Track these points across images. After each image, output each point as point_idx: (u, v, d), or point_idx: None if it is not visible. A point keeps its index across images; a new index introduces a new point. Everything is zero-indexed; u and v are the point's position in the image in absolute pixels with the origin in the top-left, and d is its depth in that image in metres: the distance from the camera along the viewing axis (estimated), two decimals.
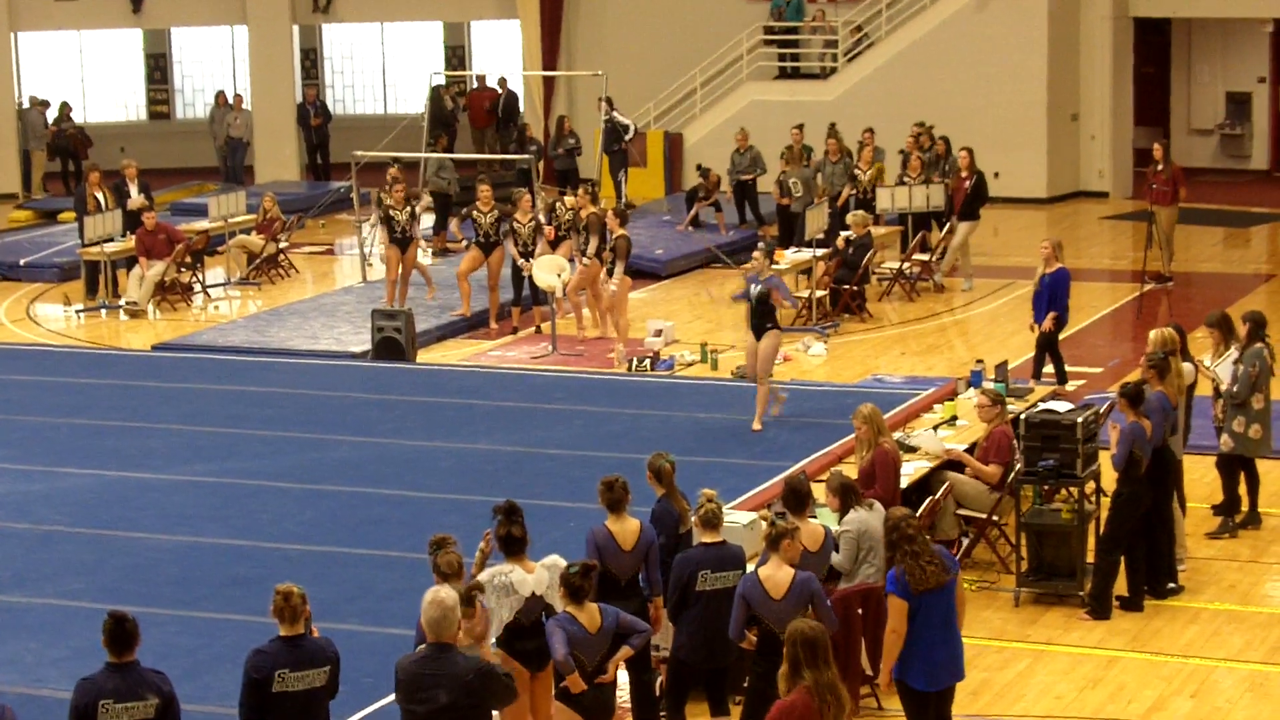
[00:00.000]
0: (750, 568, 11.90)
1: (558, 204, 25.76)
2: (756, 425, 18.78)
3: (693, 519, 11.97)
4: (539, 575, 10.88)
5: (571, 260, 23.87)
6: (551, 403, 20.49)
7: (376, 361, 22.60)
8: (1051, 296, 19.89)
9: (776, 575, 10.87)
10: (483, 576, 10.80)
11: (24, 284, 28.92)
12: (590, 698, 10.43)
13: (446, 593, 9.14)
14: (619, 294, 22.67)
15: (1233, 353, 16.14)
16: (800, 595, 10.82)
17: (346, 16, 40.82)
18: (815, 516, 12.62)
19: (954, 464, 15.56)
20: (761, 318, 18.70)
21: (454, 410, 20.40)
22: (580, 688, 10.35)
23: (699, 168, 31.18)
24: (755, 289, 18.63)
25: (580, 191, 24.97)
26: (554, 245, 24.55)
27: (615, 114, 32.21)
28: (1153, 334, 15.54)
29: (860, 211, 25.35)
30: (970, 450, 15.66)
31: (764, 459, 17.63)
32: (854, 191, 27.75)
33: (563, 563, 10.90)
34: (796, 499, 11.96)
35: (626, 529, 11.60)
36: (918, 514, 13.17)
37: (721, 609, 11.29)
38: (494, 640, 10.84)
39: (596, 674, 10.43)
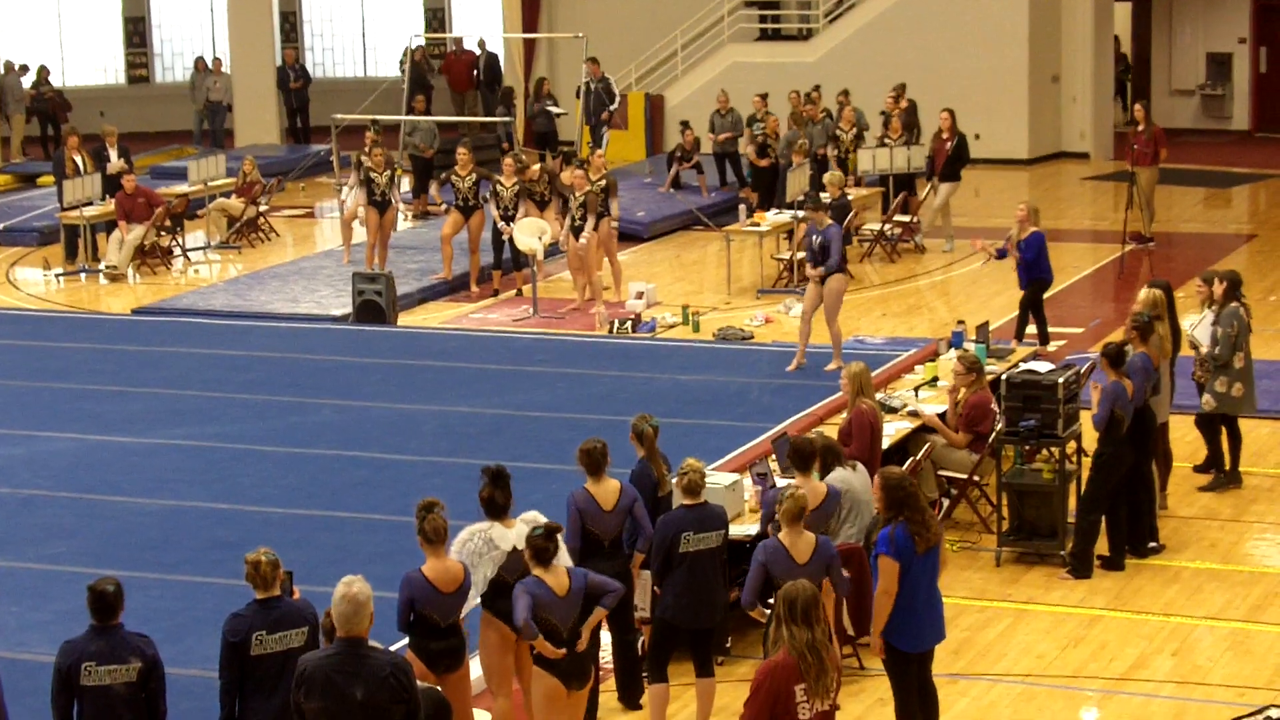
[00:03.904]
0: (733, 529, 11.94)
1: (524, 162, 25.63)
2: (834, 365, 19.00)
3: (673, 483, 11.98)
4: (519, 530, 10.87)
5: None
6: (533, 365, 20.48)
7: (357, 324, 22.58)
8: (1031, 260, 19.89)
9: (799, 541, 10.87)
10: (461, 535, 10.80)
11: (3, 248, 28.90)
12: (567, 661, 10.39)
13: (360, 586, 9.02)
14: (591, 248, 22.78)
15: (1208, 315, 16.16)
16: (822, 558, 10.88)
17: None
18: (823, 476, 12.56)
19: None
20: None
21: (435, 373, 20.39)
22: (556, 654, 10.30)
23: (682, 124, 31.13)
24: (816, 239, 19.34)
25: (557, 159, 24.93)
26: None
27: (608, 77, 32.14)
28: (1141, 294, 15.54)
29: (835, 172, 25.33)
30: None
31: (746, 420, 17.64)
32: (837, 153, 27.76)
33: (541, 518, 10.89)
34: (800, 458, 11.99)
35: (606, 490, 11.60)
36: None
37: (705, 570, 11.31)
38: (479, 599, 10.85)
39: (572, 638, 10.39)
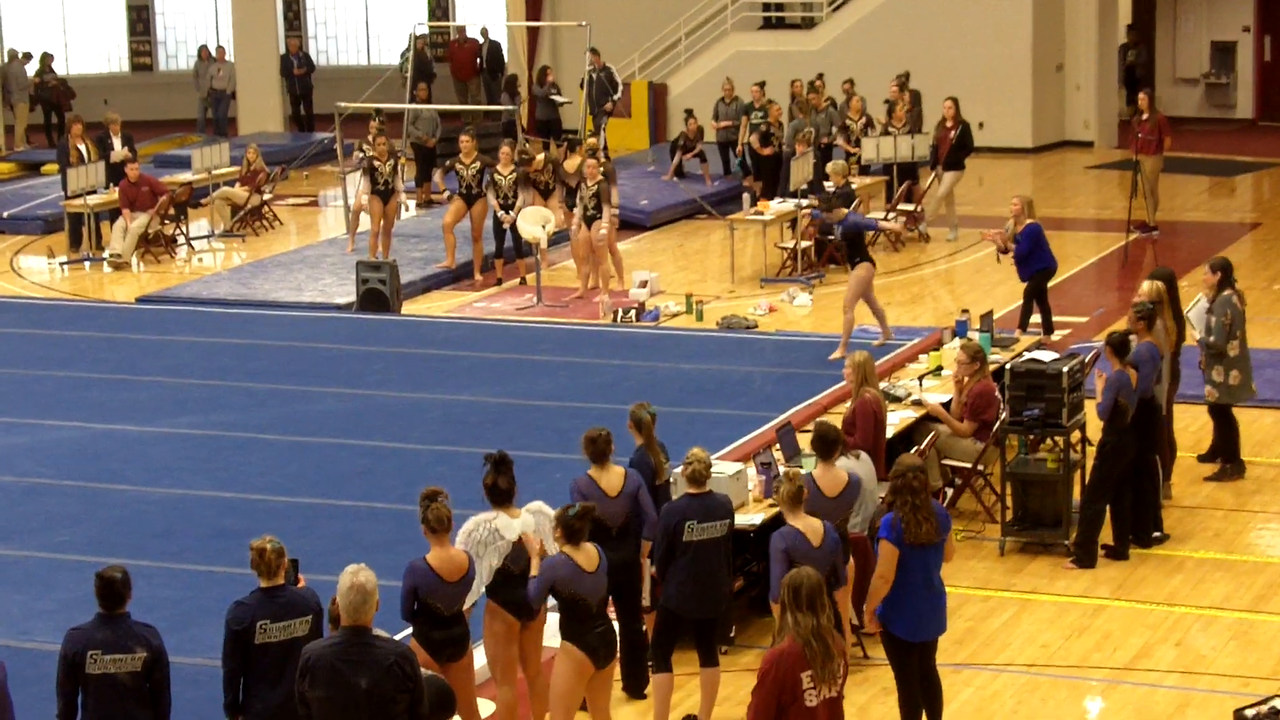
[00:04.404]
0: (737, 519, 11.92)
1: (527, 153, 25.65)
2: (837, 354, 19.14)
3: (676, 472, 11.97)
4: (524, 520, 10.90)
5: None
6: (537, 354, 20.49)
7: (361, 313, 22.58)
8: (1030, 251, 19.88)
9: (810, 524, 10.90)
10: (467, 525, 10.81)
11: (7, 236, 28.87)
12: (595, 636, 10.49)
13: (366, 575, 9.02)
14: (606, 240, 22.85)
15: (1200, 300, 16.15)
16: (832, 540, 10.95)
17: None
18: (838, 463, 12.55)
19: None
20: (852, 252, 19.56)
21: (439, 361, 20.39)
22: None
23: (686, 112, 31.11)
24: (839, 231, 19.61)
25: (561, 147, 24.98)
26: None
27: (609, 67, 32.13)
28: (1144, 286, 15.51)
29: (839, 161, 25.32)
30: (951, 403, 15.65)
31: (749, 409, 17.64)
32: (848, 141, 27.79)
33: (547, 508, 10.95)
34: (824, 445, 11.94)
35: (611, 476, 11.61)
36: None
37: (710, 558, 11.30)
38: (483, 589, 10.86)
39: (601, 612, 10.49)
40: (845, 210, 19.68)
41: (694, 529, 11.31)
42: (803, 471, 11.99)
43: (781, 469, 13.36)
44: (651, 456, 12.17)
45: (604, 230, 22.78)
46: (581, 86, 32.39)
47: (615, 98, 32.12)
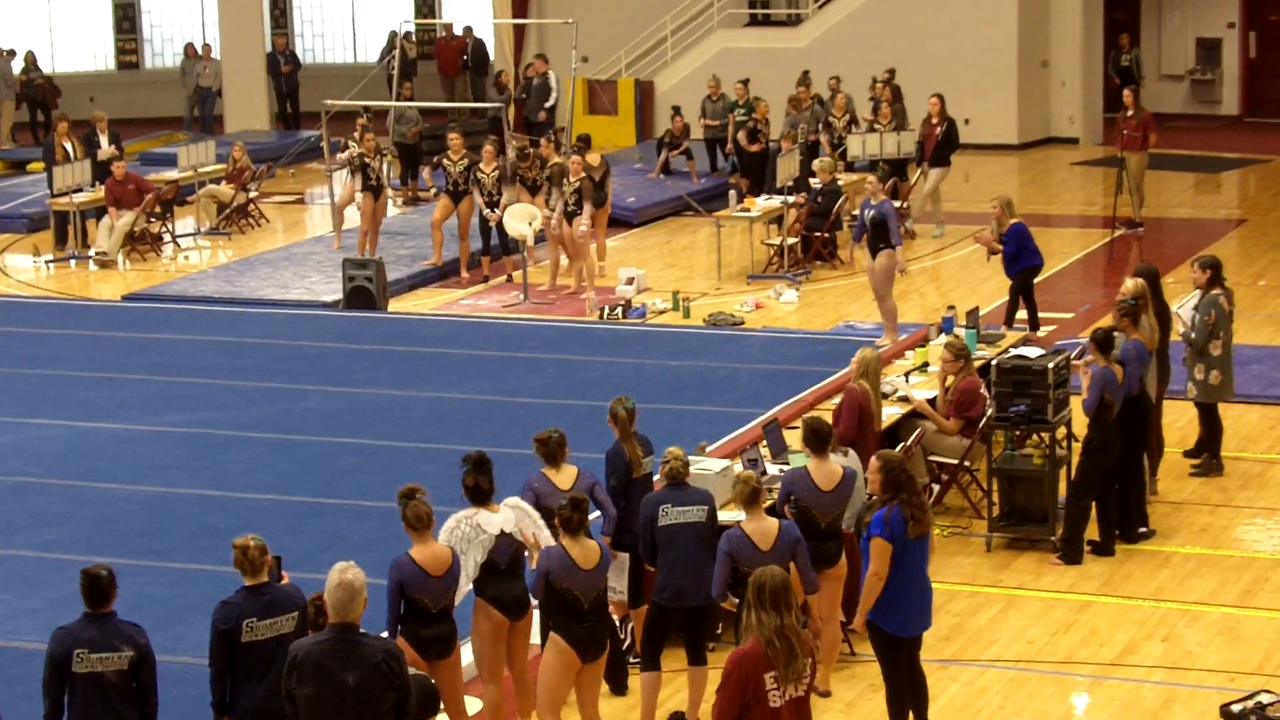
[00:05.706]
0: (723, 515, 11.91)
1: (529, 151, 25.72)
2: (886, 340, 19.48)
3: (660, 469, 11.98)
4: (504, 514, 10.90)
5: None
6: (524, 351, 20.48)
7: (348, 311, 22.56)
8: (1017, 251, 19.90)
9: (762, 527, 10.88)
10: (449, 523, 10.81)
11: None
12: (583, 631, 10.49)
13: (354, 573, 9.01)
14: (588, 234, 22.86)
15: (1194, 297, 16.18)
16: (786, 544, 10.89)
17: None
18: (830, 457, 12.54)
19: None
20: (875, 239, 19.75)
21: (426, 359, 20.38)
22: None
23: (674, 109, 31.15)
24: (869, 213, 19.70)
25: (544, 141, 25.07)
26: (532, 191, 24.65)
27: (549, 72, 32.38)
28: (1127, 283, 15.51)
29: (825, 159, 25.32)
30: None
31: (736, 406, 17.64)
32: (830, 139, 27.79)
33: (525, 504, 10.95)
34: (817, 439, 11.91)
35: (564, 474, 11.59)
36: None
37: (687, 544, 11.24)
38: (470, 586, 10.86)
39: (595, 609, 10.49)
40: (884, 195, 19.99)
41: (669, 512, 11.28)
42: (834, 460, 11.94)
43: (772, 467, 13.38)
44: (627, 450, 12.14)
45: (583, 227, 22.82)
46: (525, 93, 32.64)
47: (548, 105, 32.19)
